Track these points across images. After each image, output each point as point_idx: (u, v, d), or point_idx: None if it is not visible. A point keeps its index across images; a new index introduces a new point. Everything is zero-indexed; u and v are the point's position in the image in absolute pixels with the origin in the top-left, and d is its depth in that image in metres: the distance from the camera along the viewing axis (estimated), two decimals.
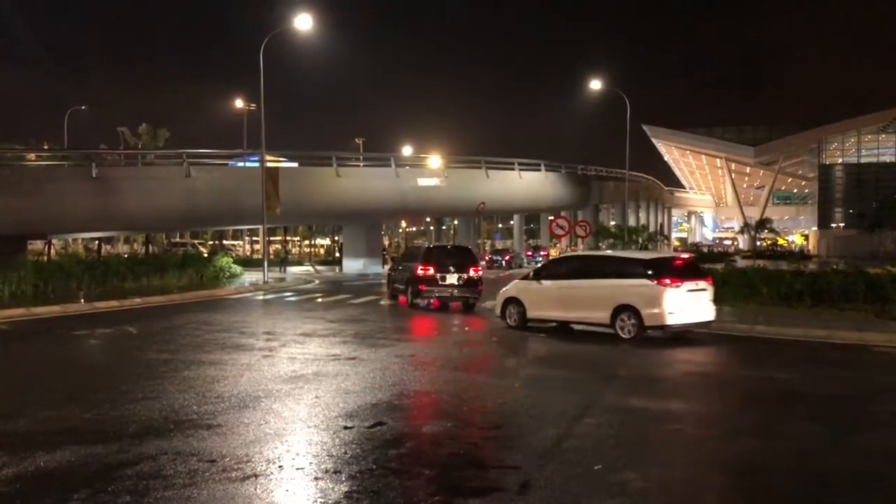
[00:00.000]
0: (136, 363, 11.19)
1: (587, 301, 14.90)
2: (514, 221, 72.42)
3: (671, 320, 14.02)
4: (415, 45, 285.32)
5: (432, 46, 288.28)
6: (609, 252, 21.54)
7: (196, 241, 68.16)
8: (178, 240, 64.80)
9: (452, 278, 20.64)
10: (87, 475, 5.81)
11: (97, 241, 45.02)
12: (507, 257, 55.39)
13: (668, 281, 14.06)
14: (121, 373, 10.48)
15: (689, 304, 14.18)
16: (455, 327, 16.78)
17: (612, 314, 14.40)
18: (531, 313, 15.90)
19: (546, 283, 15.77)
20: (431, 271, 20.71)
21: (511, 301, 16.33)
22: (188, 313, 18.56)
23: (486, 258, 53.38)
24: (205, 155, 36.25)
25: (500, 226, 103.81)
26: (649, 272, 14.33)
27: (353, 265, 42.89)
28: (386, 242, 63.22)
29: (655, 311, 13.99)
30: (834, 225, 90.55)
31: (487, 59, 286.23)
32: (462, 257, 21.57)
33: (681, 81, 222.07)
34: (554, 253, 53.00)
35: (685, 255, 17.95)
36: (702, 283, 14.62)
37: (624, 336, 14.18)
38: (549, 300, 15.61)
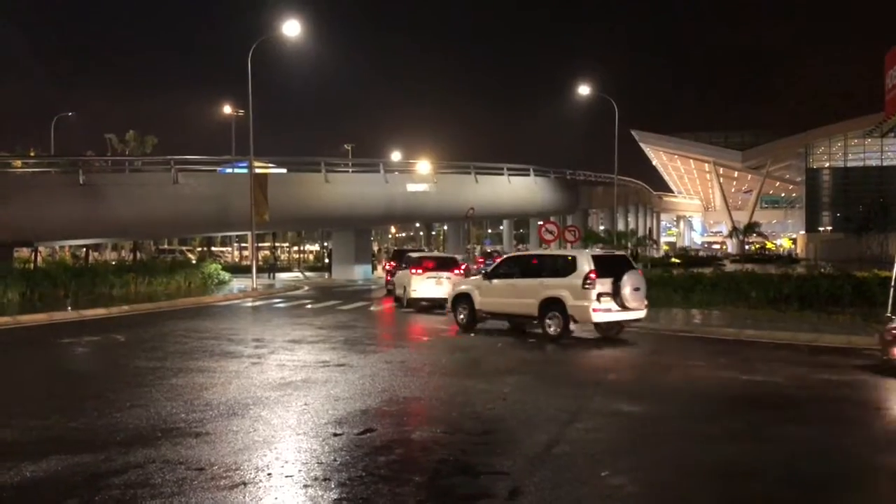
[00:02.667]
0: (124, 371, 11.12)
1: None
2: (504, 227, 72.56)
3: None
4: (404, 51, 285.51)
5: (422, 52, 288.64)
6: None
7: (184, 248, 67.95)
8: (166, 247, 64.58)
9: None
10: (73, 484, 5.77)
11: (84, 249, 44.79)
12: (498, 260, 55.47)
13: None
14: (108, 381, 10.42)
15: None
16: (444, 332, 16.76)
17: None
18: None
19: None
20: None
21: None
22: (176, 320, 18.48)
23: (479, 261, 53.79)
24: (193, 161, 36.17)
25: (489, 231, 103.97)
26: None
27: (342, 271, 42.84)
28: (375, 248, 63.12)
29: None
30: (822, 228, 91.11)
31: (477, 65, 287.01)
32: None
33: (668, 87, 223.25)
34: None
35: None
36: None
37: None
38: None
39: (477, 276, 17.84)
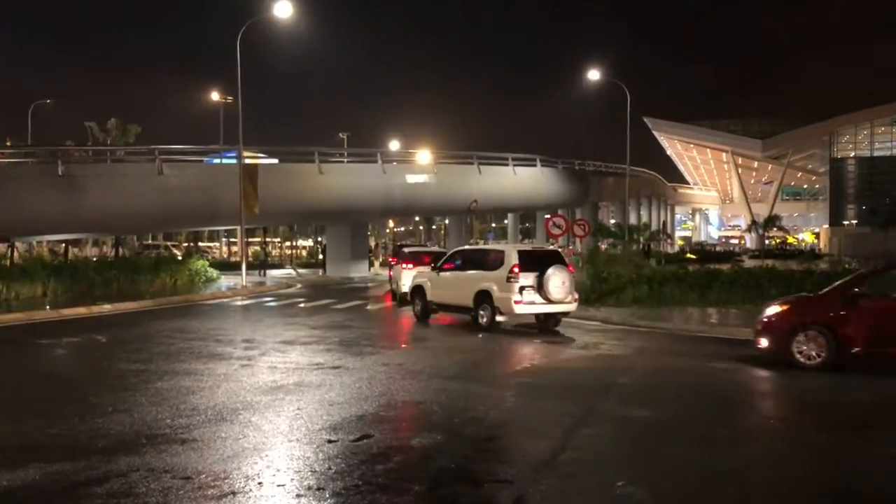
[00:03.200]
0: (106, 374, 11.15)
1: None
2: (509, 220, 72.45)
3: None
4: (403, 34, 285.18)
5: (422, 35, 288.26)
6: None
7: (170, 244, 67.88)
8: (150, 242, 64.53)
9: None
10: (53, 494, 5.79)
11: (63, 244, 44.82)
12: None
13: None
14: (89, 384, 10.44)
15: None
16: (445, 332, 16.78)
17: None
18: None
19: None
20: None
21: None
22: (161, 320, 18.51)
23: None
24: (178, 151, 36.11)
25: (493, 225, 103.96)
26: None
27: (337, 268, 42.86)
28: (372, 243, 63.15)
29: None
30: (846, 222, 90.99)
31: (481, 49, 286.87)
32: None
33: (683, 72, 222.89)
34: None
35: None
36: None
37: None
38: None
39: (425, 271, 19.86)
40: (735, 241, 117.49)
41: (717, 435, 7.78)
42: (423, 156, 45.47)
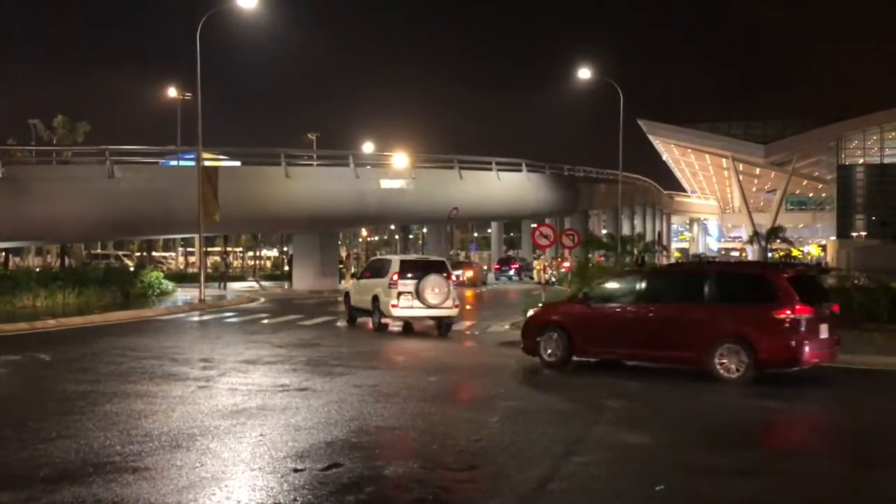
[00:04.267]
0: (50, 396, 11.04)
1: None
2: (492, 230, 72.72)
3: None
4: (378, 27, 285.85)
5: (399, 28, 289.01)
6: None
7: (121, 253, 67.45)
8: (99, 251, 64.12)
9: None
10: None
11: (3, 253, 44.41)
12: (515, 266, 57.93)
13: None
14: (31, 407, 10.34)
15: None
16: (422, 350, 16.77)
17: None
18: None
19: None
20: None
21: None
22: (111, 337, 18.36)
23: (496, 267, 55.92)
24: (131, 152, 35.95)
25: (475, 235, 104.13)
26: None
27: (304, 280, 42.69)
28: (343, 254, 63.01)
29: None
30: (855, 234, 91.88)
31: (463, 44, 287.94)
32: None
33: (681, 72, 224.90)
34: (537, 266, 53.32)
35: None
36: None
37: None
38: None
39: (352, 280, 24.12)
40: (736, 254, 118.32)
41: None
42: (400, 159, 45.49)
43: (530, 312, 15.75)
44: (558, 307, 15.55)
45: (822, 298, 13.40)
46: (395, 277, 19.83)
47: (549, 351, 14.31)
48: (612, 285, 15.53)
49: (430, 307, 19.72)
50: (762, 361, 12.46)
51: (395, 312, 19.86)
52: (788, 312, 12.39)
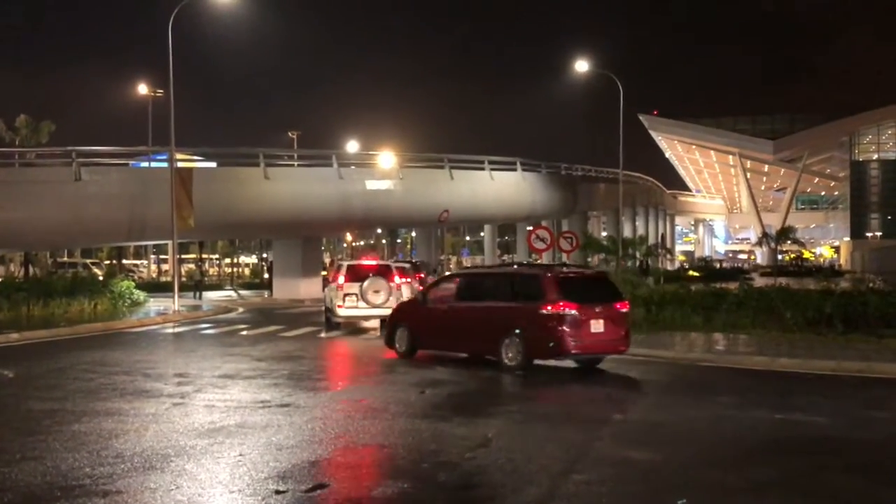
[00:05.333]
0: (13, 415, 10.99)
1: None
2: (486, 233, 72.70)
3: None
4: (365, 19, 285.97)
5: (387, 19, 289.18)
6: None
7: (89, 261, 67.29)
8: (66, 259, 63.89)
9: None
10: None
11: None
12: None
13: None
14: None
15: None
16: (413, 364, 16.75)
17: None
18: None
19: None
20: None
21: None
22: (79, 351, 18.30)
23: None
24: (99, 153, 35.88)
25: (467, 238, 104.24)
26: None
27: (286, 289, 42.65)
28: (327, 260, 62.97)
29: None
30: (869, 234, 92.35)
31: (454, 35, 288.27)
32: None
33: (684, 64, 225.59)
34: None
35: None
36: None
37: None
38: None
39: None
40: (744, 256, 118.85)
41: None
42: (386, 159, 45.49)
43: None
44: (406, 306, 18.89)
45: (607, 298, 15.65)
46: (341, 280, 23.56)
47: (399, 344, 17.47)
48: (441, 286, 18.16)
49: (373, 307, 23.10)
50: (531, 351, 15.06)
51: (340, 312, 23.45)
52: (550, 308, 14.79)
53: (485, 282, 17.37)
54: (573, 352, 15.00)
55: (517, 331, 15.18)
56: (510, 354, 15.18)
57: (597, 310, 15.14)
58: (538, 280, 15.64)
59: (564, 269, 16.97)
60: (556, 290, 15.03)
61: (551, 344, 14.85)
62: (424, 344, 17.28)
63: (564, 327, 14.72)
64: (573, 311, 14.79)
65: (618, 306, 15.68)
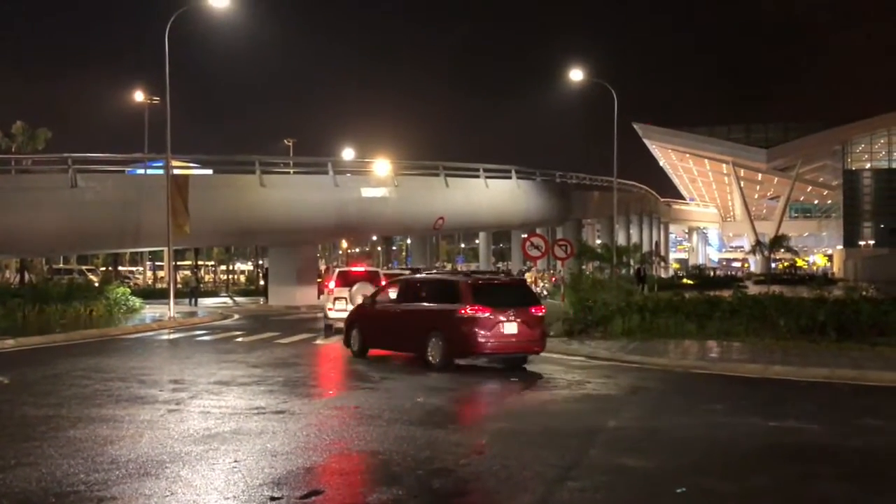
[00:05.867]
0: (8, 421, 10.95)
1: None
2: (480, 240, 72.83)
3: (332, 314, 24.64)
4: (361, 28, 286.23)
5: (382, 30, 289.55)
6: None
7: (85, 268, 67.10)
8: (61, 266, 63.75)
9: None
10: None
11: None
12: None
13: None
14: None
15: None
16: (408, 371, 16.75)
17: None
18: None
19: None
20: None
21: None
22: (74, 357, 18.25)
23: None
24: (96, 160, 35.81)
25: (462, 246, 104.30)
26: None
27: (281, 295, 42.59)
28: (323, 267, 62.90)
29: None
30: (862, 243, 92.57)
31: (449, 45, 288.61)
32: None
33: (678, 73, 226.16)
34: (529, 278, 53.37)
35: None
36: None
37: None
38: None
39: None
40: (737, 265, 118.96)
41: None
42: (382, 166, 45.49)
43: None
44: (359, 309, 20.02)
45: (522, 302, 16.95)
46: (332, 285, 25.65)
47: (353, 344, 18.75)
48: (386, 291, 19.69)
49: None
50: (449, 351, 16.36)
51: (331, 314, 24.68)
52: (464, 311, 16.19)
53: (418, 287, 18.59)
54: (485, 351, 16.46)
55: (439, 332, 16.55)
56: (433, 353, 16.56)
57: (510, 313, 16.39)
58: (457, 285, 17.17)
59: (484, 276, 19.06)
60: (470, 294, 16.48)
61: (466, 343, 16.24)
62: (372, 344, 18.54)
63: (477, 328, 16.10)
64: (485, 314, 16.15)
65: (533, 310, 16.94)
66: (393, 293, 19.08)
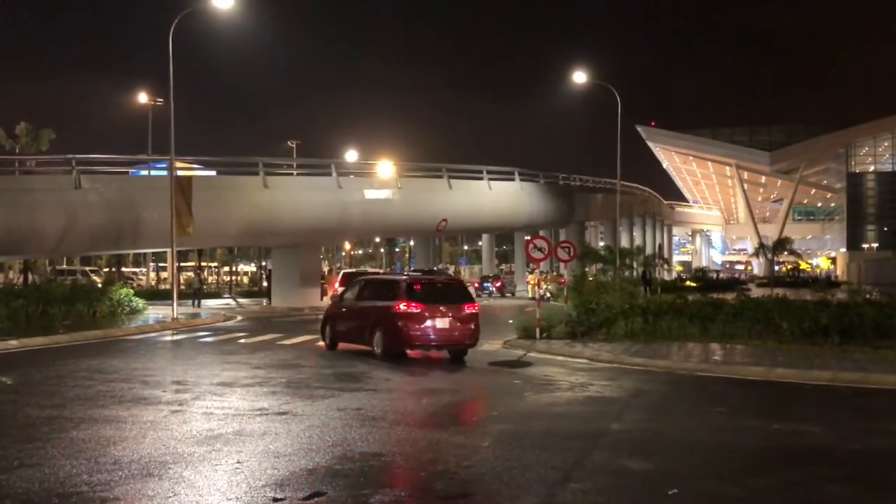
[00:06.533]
0: (11, 422, 10.95)
1: None
2: (483, 242, 72.84)
3: None
4: (364, 29, 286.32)
5: (386, 31, 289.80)
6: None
7: (88, 269, 67.25)
8: (65, 266, 63.88)
9: None
10: None
11: None
12: (498, 283, 58.98)
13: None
14: None
15: None
16: (412, 373, 16.75)
17: None
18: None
19: None
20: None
21: None
22: (77, 358, 18.25)
23: (475, 284, 57.64)
24: (99, 161, 35.88)
25: (465, 248, 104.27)
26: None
27: (284, 297, 42.63)
28: (326, 269, 62.95)
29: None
30: (865, 245, 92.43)
31: (454, 47, 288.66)
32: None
33: (681, 76, 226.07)
34: (532, 280, 53.52)
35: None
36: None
37: None
38: None
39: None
40: (741, 267, 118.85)
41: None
42: (385, 168, 45.52)
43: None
44: (331, 306, 22.13)
45: (456, 300, 18.74)
46: (336, 286, 28.46)
47: (327, 339, 20.74)
48: (350, 290, 21.15)
49: None
50: (388, 343, 18.28)
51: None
52: (398, 308, 18.10)
53: (371, 286, 20.53)
54: (416, 343, 18.31)
55: (381, 326, 18.46)
56: (377, 345, 18.56)
57: (443, 309, 18.23)
58: (396, 284, 19.17)
59: (421, 276, 20.63)
60: (405, 292, 18.41)
61: (401, 336, 18.12)
62: (339, 339, 20.36)
63: (410, 323, 18.00)
64: (417, 310, 18.03)
65: (466, 307, 18.73)
66: (353, 291, 20.80)
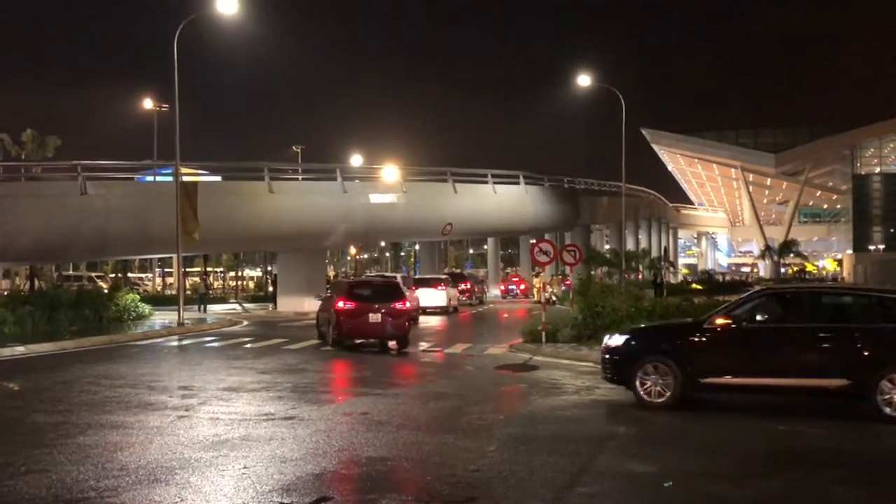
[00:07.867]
0: (18, 427, 10.97)
1: None
2: (489, 246, 72.74)
3: None
4: (370, 33, 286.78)
5: (391, 35, 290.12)
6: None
7: (94, 274, 67.36)
8: (71, 272, 64.00)
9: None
10: None
11: None
12: (522, 287, 62.24)
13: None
14: None
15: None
16: (418, 376, 16.76)
17: None
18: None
19: None
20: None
21: None
22: (84, 364, 18.28)
23: (503, 287, 61.04)
24: (105, 168, 35.92)
25: (471, 251, 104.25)
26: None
27: (290, 302, 42.64)
28: (331, 273, 63.03)
29: None
30: (872, 247, 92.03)
31: (458, 51, 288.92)
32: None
33: (686, 78, 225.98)
34: (536, 284, 53.49)
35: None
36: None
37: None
38: None
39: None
40: (747, 269, 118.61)
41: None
42: (390, 172, 45.54)
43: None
44: (319, 307, 25.30)
45: (389, 299, 21.96)
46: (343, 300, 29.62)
47: (329, 335, 22.35)
48: (330, 290, 24.30)
49: None
50: (335, 335, 21.82)
51: None
52: (336, 305, 21.73)
53: (335, 287, 24.84)
54: (349, 335, 21.77)
55: (331, 319, 22.01)
56: (328, 337, 22.38)
57: (376, 306, 21.51)
58: (341, 285, 23.88)
59: (363, 278, 26.26)
60: (344, 292, 22.29)
61: (340, 329, 21.61)
62: (321, 332, 23.77)
63: (345, 318, 21.49)
64: (350, 306, 21.53)
65: (397, 305, 21.95)
66: (329, 293, 24.46)
